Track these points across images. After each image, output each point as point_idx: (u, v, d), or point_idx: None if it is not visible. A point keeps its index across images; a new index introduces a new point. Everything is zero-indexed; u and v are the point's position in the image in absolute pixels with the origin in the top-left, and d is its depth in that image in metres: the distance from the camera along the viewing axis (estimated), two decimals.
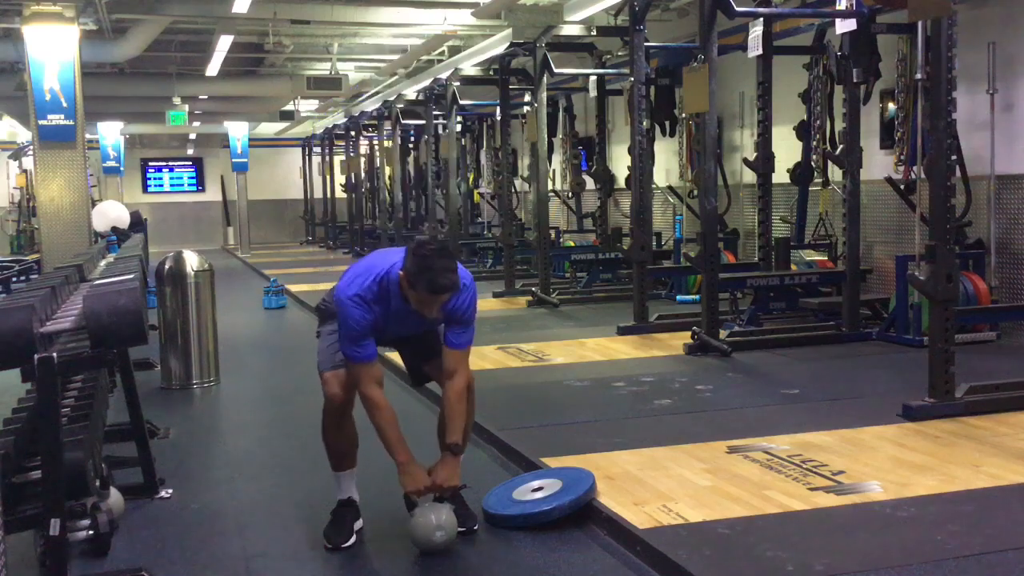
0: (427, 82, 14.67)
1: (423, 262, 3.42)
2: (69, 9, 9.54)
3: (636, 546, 3.49)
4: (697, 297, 8.96)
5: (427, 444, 3.95)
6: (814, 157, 8.97)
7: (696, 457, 4.48)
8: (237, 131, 23.35)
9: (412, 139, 19.71)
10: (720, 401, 5.70)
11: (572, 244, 13.45)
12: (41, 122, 9.53)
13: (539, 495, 3.88)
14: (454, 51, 14.24)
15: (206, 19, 12.12)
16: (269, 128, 25.07)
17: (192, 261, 6.99)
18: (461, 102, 13.61)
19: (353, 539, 3.69)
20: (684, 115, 10.51)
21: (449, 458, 3.67)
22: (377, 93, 18.29)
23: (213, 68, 15.00)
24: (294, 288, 12.72)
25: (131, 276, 3.92)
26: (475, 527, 3.80)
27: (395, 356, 4.19)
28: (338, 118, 22.16)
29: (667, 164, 12.00)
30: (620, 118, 12.68)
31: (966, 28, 6.76)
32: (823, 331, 7.71)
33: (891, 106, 8.19)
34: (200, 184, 27.33)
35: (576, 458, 4.39)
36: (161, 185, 27.01)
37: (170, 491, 4.38)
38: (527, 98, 12.71)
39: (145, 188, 26.77)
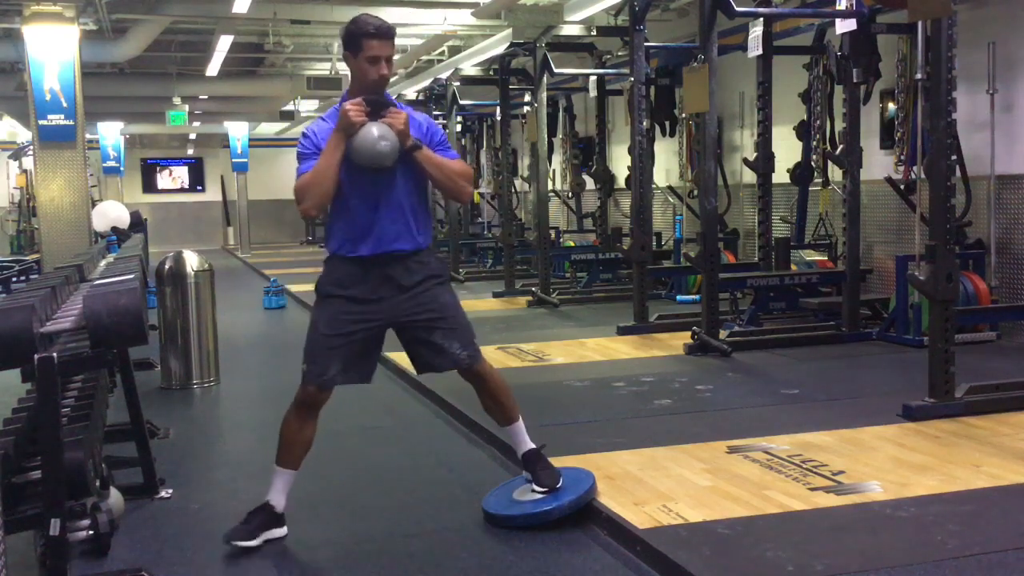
0: (427, 82, 14.68)
1: (350, 24, 3.57)
2: (69, 9, 9.54)
3: (636, 546, 3.49)
4: (697, 297, 8.96)
5: (429, 446, 3.94)
6: (814, 157, 8.97)
7: (696, 457, 4.48)
8: (237, 131, 23.35)
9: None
10: (720, 401, 5.70)
11: (572, 244, 13.46)
12: (41, 122, 9.53)
13: (539, 495, 3.88)
14: (454, 51, 14.24)
15: (206, 19, 12.12)
16: (269, 128, 25.07)
17: (192, 261, 6.99)
18: (461, 102, 13.61)
19: (255, 542, 3.62)
20: (684, 115, 10.51)
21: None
22: None
23: (213, 68, 15.00)
24: (294, 288, 12.71)
25: (131, 276, 3.91)
26: (559, 485, 3.82)
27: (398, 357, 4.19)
28: None
29: (667, 164, 12.00)
30: (620, 118, 12.68)
31: (966, 28, 6.76)
32: (823, 331, 7.71)
33: (891, 106, 8.19)
34: (200, 186, 27.36)
35: (576, 458, 4.39)
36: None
37: (170, 491, 4.38)
38: (527, 98, 12.70)
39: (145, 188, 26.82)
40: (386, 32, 3.58)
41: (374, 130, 3.49)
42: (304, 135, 3.62)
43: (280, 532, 3.72)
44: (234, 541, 3.61)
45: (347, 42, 3.61)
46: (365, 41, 3.54)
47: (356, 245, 3.62)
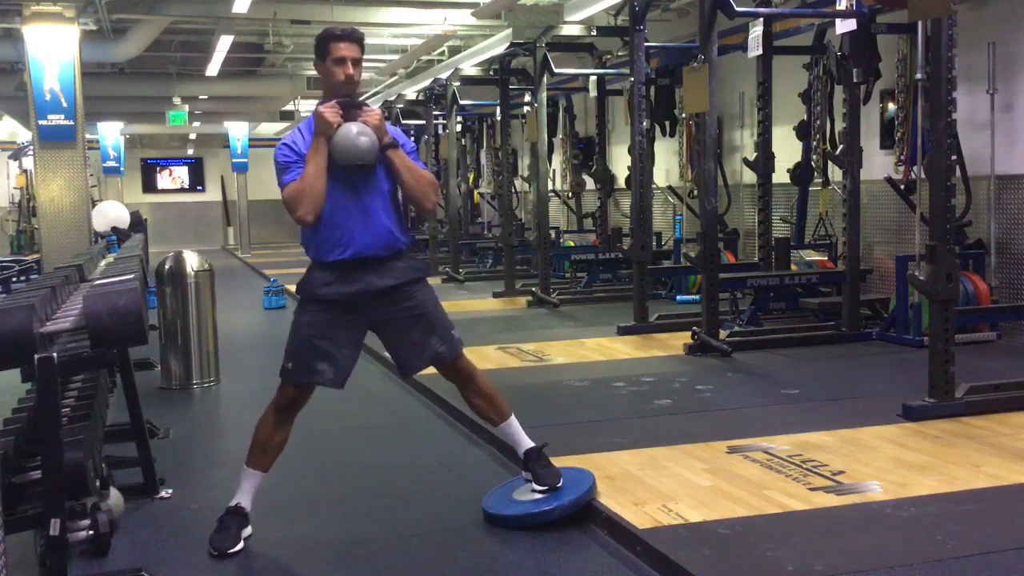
0: (427, 82, 14.67)
1: (320, 34, 3.68)
2: (69, 9, 9.55)
3: (636, 546, 3.49)
4: (697, 297, 8.96)
5: (429, 446, 3.94)
6: (814, 157, 8.97)
7: (696, 457, 4.48)
8: (237, 131, 23.36)
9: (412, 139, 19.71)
10: (720, 401, 5.70)
11: (572, 244, 13.45)
12: (41, 122, 9.54)
13: (539, 495, 3.88)
14: (454, 51, 14.24)
15: (206, 19, 12.12)
16: (269, 128, 25.06)
17: (192, 261, 6.99)
18: (461, 102, 13.61)
19: (240, 545, 3.64)
20: (684, 115, 10.51)
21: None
22: (377, 93, 18.29)
23: (213, 68, 15.01)
24: (294, 288, 12.71)
25: (131, 276, 3.92)
26: (559, 484, 3.84)
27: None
28: None
29: (667, 164, 11.99)
30: (620, 118, 12.68)
31: (966, 28, 6.76)
32: (823, 331, 7.71)
33: (891, 106, 8.19)
34: (200, 186, 27.36)
35: (576, 458, 4.39)
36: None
37: (170, 491, 4.38)
38: (527, 98, 12.70)
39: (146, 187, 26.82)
40: (350, 35, 3.66)
41: (352, 128, 3.56)
42: (283, 144, 3.64)
43: (248, 531, 3.74)
44: (226, 550, 3.61)
45: (316, 49, 3.71)
46: (332, 44, 3.63)
47: (335, 250, 3.65)
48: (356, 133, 3.55)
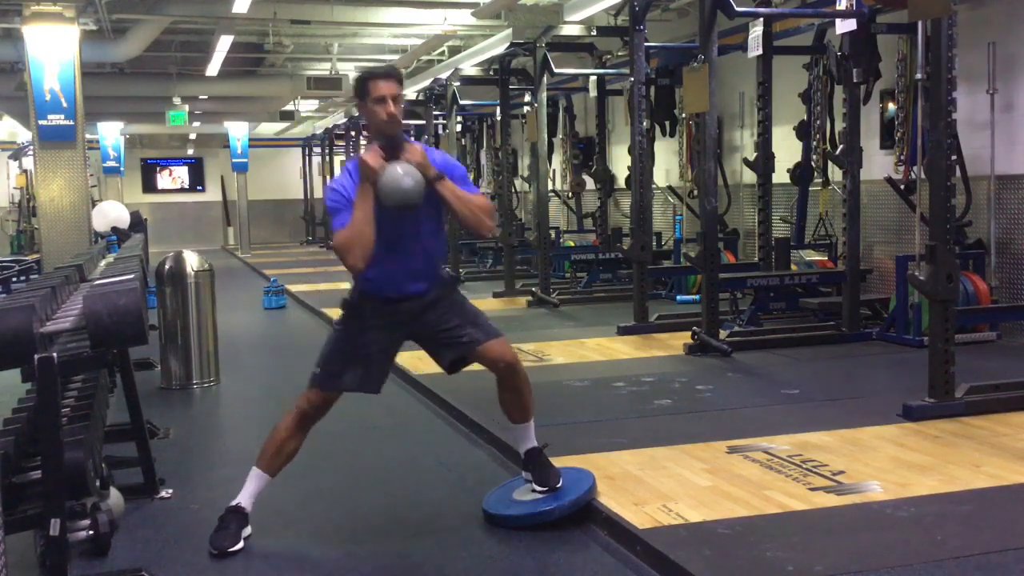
0: (427, 82, 14.67)
1: (359, 74, 3.72)
2: (69, 9, 9.55)
3: (636, 546, 3.49)
4: (697, 297, 8.95)
5: (429, 446, 3.93)
6: (814, 157, 8.97)
7: (696, 457, 4.48)
8: (237, 131, 23.35)
9: (412, 139, 19.68)
10: (720, 401, 5.70)
11: (572, 244, 13.45)
12: (41, 122, 9.54)
13: (539, 495, 3.88)
14: (454, 51, 14.24)
15: (206, 19, 12.12)
16: (269, 128, 25.07)
17: (192, 261, 6.99)
18: (461, 102, 13.61)
19: (240, 544, 3.65)
20: (684, 115, 10.51)
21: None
22: None
23: (213, 68, 15.00)
24: (294, 288, 12.72)
25: (131, 276, 3.92)
26: (559, 484, 3.86)
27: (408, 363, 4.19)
28: (338, 118, 22.16)
29: (667, 164, 11.99)
30: (620, 118, 12.68)
31: (966, 28, 6.76)
32: (823, 331, 7.71)
33: (891, 106, 8.19)
34: (200, 186, 27.36)
35: (576, 458, 4.39)
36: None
37: (170, 491, 4.38)
38: (527, 98, 12.70)
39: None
40: (389, 73, 3.69)
41: (397, 170, 3.55)
42: (332, 189, 3.68)
43: (248, 531, 3.74)
44: (226, 548, 3.62)
45: (356, 90, 3.72)
46: (371, 83, 3.63)
47: (380, 288, 3.72)
48: (401, 175, 3.54)
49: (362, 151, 3.65)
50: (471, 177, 17.32)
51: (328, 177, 23.52)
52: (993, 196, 7.39)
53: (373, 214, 3.54)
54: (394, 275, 3.71)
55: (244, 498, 3.75)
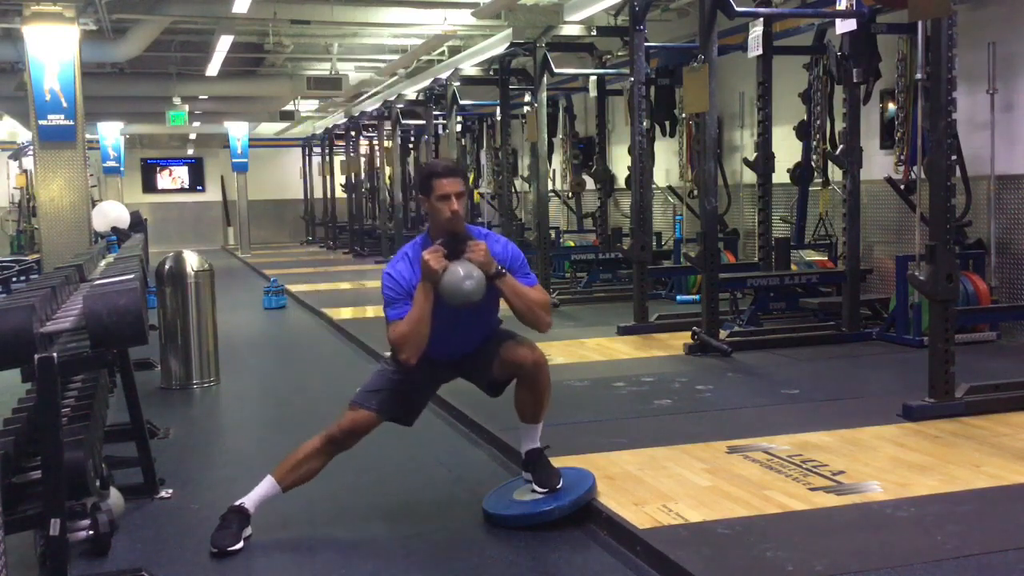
0: (427, 82, 14.68)
1: (423, 170, 3.83)
2: (69, 9, 9.55)
3: (636, 546, 3.49)
4: (697, 297, 8.95)
5: (429, 446, 3.93)
6: (814, 157, 8.97)
7: (696, 457, 4.48)
8: (237, 131, 23.35)
9: (412, 139, 19.70)
10: (720, 401, 5.70)
11: (572, 244, 13.45)
12: (41, 122, 9.54)
13: (539, 495, 3.88)
14: (454, 51, 14.24)
15: (206, 19, 12.12)
16: (269, 128, 25.06)
17: (192, 261, 6.99)
18: (461, 102, 13.61)
19: (241, 544, 3.66)
20: (684, 115, 10.51)
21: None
22: (377, 93, 18.29)
23: (213, 68, 15.00)
24: (294, 288, 12.72)
25: (131, 276, 3.92)
26: (559, 485, 3.87)
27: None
28: (338, 118, 22.17)
29: (667, 164, 11.99)
30: (620, 118, 12.68)
31: (966, 28, 6.76)
32: (823, 331, 7.71)
33: (891, 106, 8.19)
34: (200, 186, 27.36)
35: (576, 458, 4.39)
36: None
37: (170, 491, 4.38)
38: (527, 98, 12.70)
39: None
40: (453, 171, 3.74)
41: (460, 270, 3.58)
42: (390, 276, 3.72)
43: (248, 532, 3.75)
44: (226, 547, 3.62)
45: (420, 185, 3.81)
46: (435, 181, 3.68)
47: (436, 353, 3.78)
48: (463, 277, 3.57)
49: (424, 251, 3.66)
50: (471, 177, 17.43)
51: (328, 177, 23.53)
52: (993, 196, 7.39)
53: (431, 312, 3.61)
54: (449, 345, 3.83)
55: (249, 500, 3.75)
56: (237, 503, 3.74)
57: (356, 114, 20.04)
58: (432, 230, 3.78)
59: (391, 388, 3.82)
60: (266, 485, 3.78)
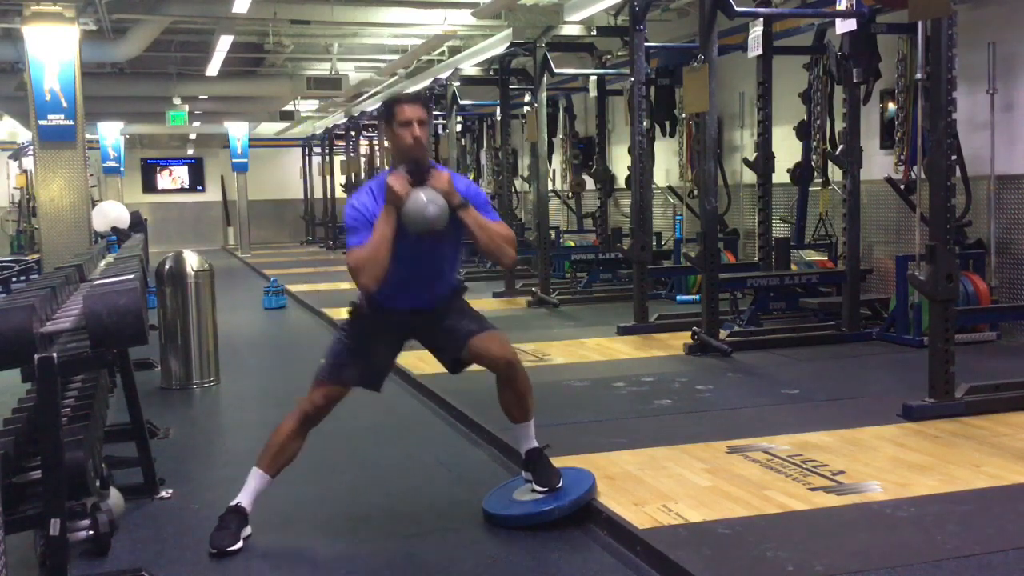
0: (427, 82, 14.67)
1: (385, 100, 3.78)
2: (69, 9, 9.54)
3: (636, 546, 3.49)
4: (697, 297, 8.95)
5: (429, 446, 3.93)
6: (814, 157, 8.97)
7: (696, 457, 4.48)
8: (237, 131, 23.35)
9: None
10: (720, 401, 5.70)
11: (572, 244, 13.45)
12: (41, 122, 9.53)
13: (539, 495, 3.88)
14: (454, 51, 14.24)
15: (206, 19, 12.12)
16: (269, 128, 25.06)
17: (192, 261, 6.99)
18: (461, 102, 13.61)
19: (240, 544, 3.65)
20: (684, 115, 10.51)
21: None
22: (377, 93, 18.29)
23: (213, 68, 15.00)
24: (294, 288, 12.72)
25: (131, 276, 3.92)
26: (559, 485, 3.86)
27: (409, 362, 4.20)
28: (338, 118, 22.17)
29: (667, 164, 11.99)
30: (620, 118, 12.68)
31: (966, 28, 6.75)
32: (823, 331, 7.71)
33: (891, 106, 8.19)
34: (200, 186, 27.36)
35: (576, 458, 4.39)
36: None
37: (170, 491, 4.38)
38: (527, 98, 12.70)
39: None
40: (415, 98, 3.73)
41: (422, 196, 3.57)
42: (351, 206, 3.70)
43: (247, 531, 3.74)
44: (225, 547, 3.62)
45: (382, 115, 3.77)
46: (396, 107, 3.67)
47: (392, 298, 3.75)
48: (426, 202, 3.56)
49: (388, 175, 3.65)
50: (471, 177, 17.41)
51: (328, 177, 23.53)
52: (993, 196, 7.39)
53: (392, 237, 3.57)
54: (408, 291, 3.76)
55: (244, 498, 3.75)
56: (233, 503, 3.74)
57: (356, 114, 20.04)
58: (395, 160, 3.75)
59: (351, 355, 3.81)
60: (256, 478, 3.77)
